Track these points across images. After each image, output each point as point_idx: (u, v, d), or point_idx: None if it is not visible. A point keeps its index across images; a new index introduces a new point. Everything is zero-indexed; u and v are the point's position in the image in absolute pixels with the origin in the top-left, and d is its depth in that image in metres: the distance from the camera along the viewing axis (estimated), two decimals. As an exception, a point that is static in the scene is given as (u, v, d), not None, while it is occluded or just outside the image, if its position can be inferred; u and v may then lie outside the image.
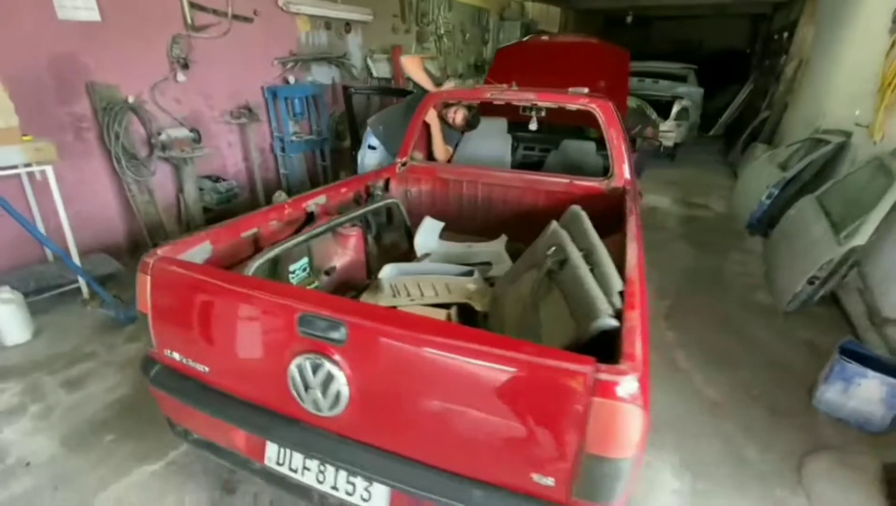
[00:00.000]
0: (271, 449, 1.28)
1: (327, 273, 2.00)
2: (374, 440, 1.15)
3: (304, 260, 1.84)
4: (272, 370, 1.18)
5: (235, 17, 3.81)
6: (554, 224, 1.75)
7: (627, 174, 2.39)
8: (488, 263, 2.29)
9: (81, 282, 2.78)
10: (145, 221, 3.38)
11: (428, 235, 2.43)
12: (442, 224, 2.49)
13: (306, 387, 1.13)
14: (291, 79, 4.38)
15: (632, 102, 5.16)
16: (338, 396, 1.11)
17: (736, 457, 1.92)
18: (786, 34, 7.07)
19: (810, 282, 2.77)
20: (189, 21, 3.48)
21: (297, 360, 1.12)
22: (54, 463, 1.78)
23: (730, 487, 1.79)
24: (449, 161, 3.01)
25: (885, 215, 2.52)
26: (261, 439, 1.28)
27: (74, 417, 1.99)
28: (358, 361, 1.09)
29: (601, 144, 3.12)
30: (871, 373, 2.06)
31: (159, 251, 1.39)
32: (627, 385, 0.90)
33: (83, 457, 1.80)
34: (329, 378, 1.10)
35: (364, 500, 1.19)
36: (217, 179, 3.91)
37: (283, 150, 4.46)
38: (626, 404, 0.91)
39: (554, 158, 3.32)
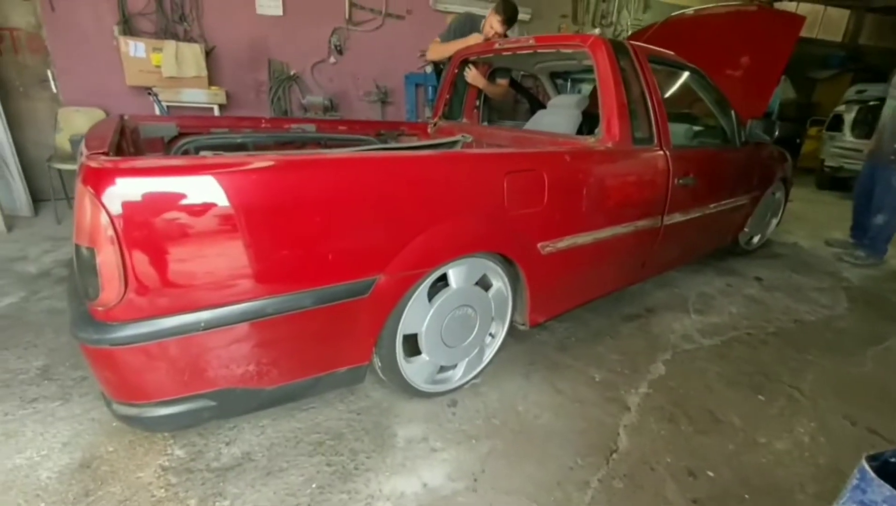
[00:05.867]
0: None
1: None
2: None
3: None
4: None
5: (389, 14, 4.62)
6: None
7: (618, 131, 1.87)
8: None
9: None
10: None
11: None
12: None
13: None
14: (428, 69, 4.94)
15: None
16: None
17: None
18: None
19: None
20: (348, 16, 4.44)
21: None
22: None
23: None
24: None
25: None
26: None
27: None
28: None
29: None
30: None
31: (129, 117, 2.03)
32: (101, 175, 0.91)
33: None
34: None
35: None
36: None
37: (414, 131, 5.09)
38: (87, 190, 0.91)
39: None
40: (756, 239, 3.29)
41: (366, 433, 1.50)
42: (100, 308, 0.97)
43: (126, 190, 0.91)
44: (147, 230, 0.94)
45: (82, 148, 1.12)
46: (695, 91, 2.51)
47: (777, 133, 2.49)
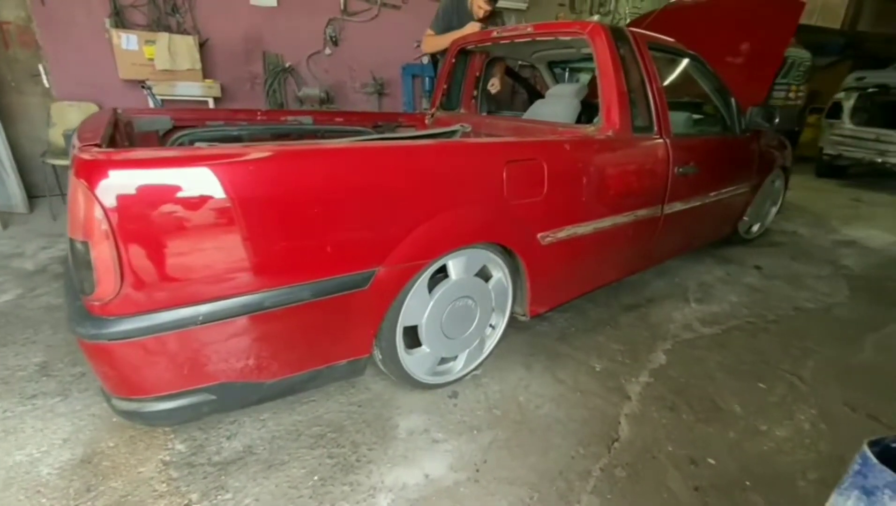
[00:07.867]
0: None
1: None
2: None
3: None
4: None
5: (384, 4, 4.57)
6: None
7: (618, 119, 1.85)
8: None
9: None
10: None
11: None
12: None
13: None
14: (425, 59, 4.89)
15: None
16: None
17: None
18: None
19: None
20: (343, 7, 4.39)
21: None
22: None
23: None
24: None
25: None
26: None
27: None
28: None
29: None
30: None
31: (123, 111, 2.00)
32: (94, 167, 0.89)
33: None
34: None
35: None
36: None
37: (411, 122, 5.05)
38: (80, 182, 0.89)
39: None
40: (755, 228, 3.28)
41: (367, 425, 1.50)
42: (96, 303, 0.96)
43: (120, 182, 0.90)
44: (142, 223, 0.92)
45: (75, 141, 1.10)
46: (695, 78, 2.49)
47: (777, 120, 2.47)
